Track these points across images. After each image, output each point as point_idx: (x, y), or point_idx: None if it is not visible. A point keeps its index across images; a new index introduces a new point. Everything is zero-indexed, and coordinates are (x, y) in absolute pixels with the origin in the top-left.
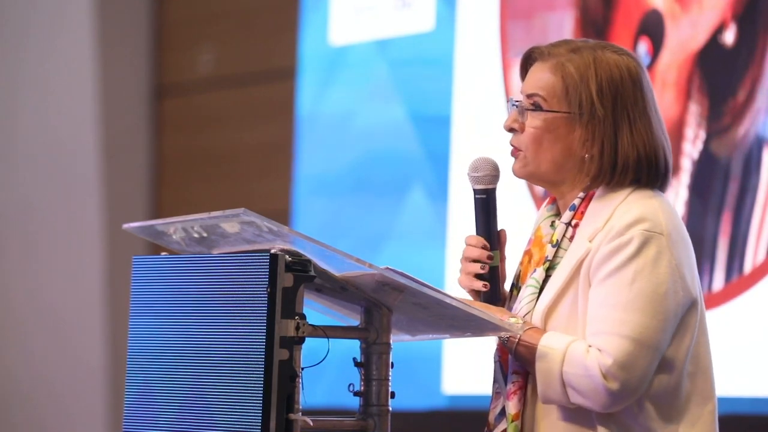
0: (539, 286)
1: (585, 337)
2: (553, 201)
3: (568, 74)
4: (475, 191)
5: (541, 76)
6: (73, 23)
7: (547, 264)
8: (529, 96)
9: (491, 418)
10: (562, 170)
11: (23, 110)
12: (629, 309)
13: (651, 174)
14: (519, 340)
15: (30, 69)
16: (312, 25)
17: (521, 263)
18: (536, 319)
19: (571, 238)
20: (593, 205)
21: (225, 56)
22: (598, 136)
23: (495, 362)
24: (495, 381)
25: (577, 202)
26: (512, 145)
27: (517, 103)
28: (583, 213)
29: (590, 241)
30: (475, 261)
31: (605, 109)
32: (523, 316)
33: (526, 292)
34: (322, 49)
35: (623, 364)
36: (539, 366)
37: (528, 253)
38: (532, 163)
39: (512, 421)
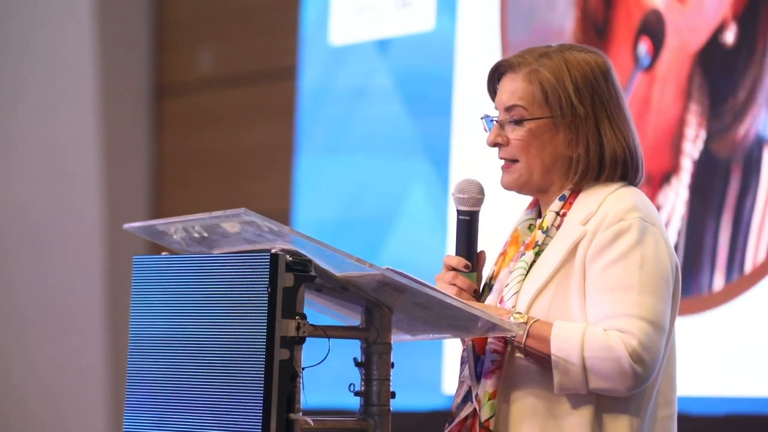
0: (527, 268)
1: (586, 321)
2: (534, 206)
3: (544, 79)
4: (459, 212)
5: (517, 86)
6: (73, 23)
7: (537, 248)
8: (508, 109)
9: (454, 407)
10: (551, 173)
11: (24, 110)
12: (644, 292)
13: (636, 166)
14: (528, 333)
15: (31, 69)
16: (312, 25)
17: (495, 263)
18: (524, 298)
19: (558, 227)
20: (582, 197)
21: (225, 56)
22: (582, 134)
23: (464, 344)
24: (461, 372)
25: (567, 193)
26: (503, 159)
27: (494, 119)
28: (571, 204)
29: (584, 225)
30: (453, 269)
31: (585, 108)
32: (511, 297)
33: (515, 274)
34: (322, 49)
35: (646, 346)
36: (556, 355)
37: (503, 254)
38: (524, 173)
39: (489, 399)
